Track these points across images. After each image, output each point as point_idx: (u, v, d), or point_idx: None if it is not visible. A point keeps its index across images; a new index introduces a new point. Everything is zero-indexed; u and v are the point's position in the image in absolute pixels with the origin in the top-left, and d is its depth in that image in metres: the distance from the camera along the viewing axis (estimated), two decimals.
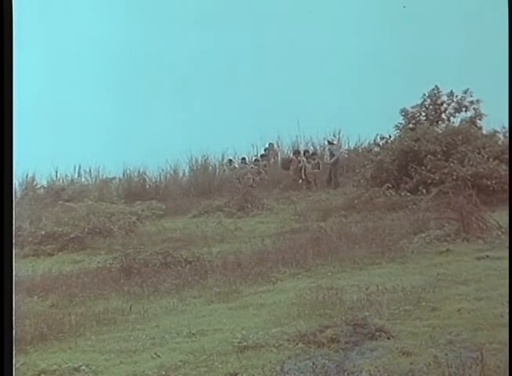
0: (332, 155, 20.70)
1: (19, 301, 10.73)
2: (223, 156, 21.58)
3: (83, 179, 21.37)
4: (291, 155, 21.54)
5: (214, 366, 8.05)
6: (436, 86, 19.89)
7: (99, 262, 13.75)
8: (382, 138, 19.44)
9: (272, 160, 21.81)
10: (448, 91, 19.95)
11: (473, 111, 19.80)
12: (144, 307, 10.88)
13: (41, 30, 18.01)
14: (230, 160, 21.60)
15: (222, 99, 20.55)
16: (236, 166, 21.40)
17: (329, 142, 21.23)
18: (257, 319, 9.71)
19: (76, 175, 21.33)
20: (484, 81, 17.54)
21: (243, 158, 21.65)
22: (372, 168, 18.13)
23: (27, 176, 20.18)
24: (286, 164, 21.12)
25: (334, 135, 21.59)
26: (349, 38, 20.08)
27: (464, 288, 10.39)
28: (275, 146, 22.18)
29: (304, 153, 21.10)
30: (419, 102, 20.05)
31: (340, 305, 9.79)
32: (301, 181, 20.36)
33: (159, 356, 8.47)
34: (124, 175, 20.94)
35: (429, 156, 17.32)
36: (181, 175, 21.48)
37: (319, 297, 10.31)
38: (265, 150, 22.10)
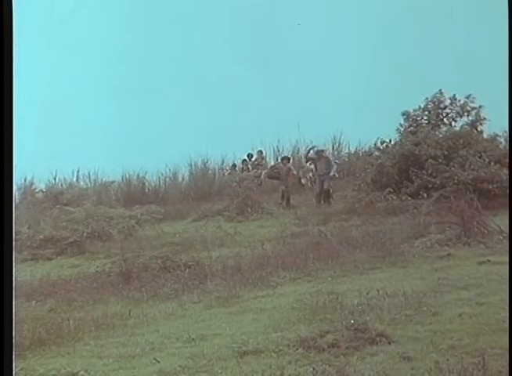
0: (328, 166, 18.98)
1: (18, 306, 10.64)
2: (223, 160, 21.55)
3: (82, 183, 21.34)
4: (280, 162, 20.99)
5: (213, 371, 8.00)
6: (439, 90, 19.86)
7: (97, 267, 13.70)
8: (383, 142, 19.37)
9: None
10: (451, 95, 19.92)
11: (474, 116, 19.76)
12: (143, 312, 10.83)
13: (41, 32, 17.98)
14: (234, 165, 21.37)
15: (222, 103, 20.53)
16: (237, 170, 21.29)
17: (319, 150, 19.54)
18: (257, 324, 9.66)
19: (75, 179, 21.31)
20: (485, 84, 17.49)
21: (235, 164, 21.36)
22: (372, 172, 18.09)
23: (25, 180, 20.13)
24: (273, 173, 20.40)
25: (335, 139, 21.51)
26: (350, 41, 20.06)
27: (465, 293, 10.33)
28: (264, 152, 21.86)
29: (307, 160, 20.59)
30: (421, 105, 20.02)
31: (341, 310, 9.74)
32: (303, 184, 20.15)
33: (158, 361, 8.42)
34: (123, 178, 20.89)
35: (430, 160, 17.28)
36: (180, 179, 21.44)
37: (319, 301, 10.26)
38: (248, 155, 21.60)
